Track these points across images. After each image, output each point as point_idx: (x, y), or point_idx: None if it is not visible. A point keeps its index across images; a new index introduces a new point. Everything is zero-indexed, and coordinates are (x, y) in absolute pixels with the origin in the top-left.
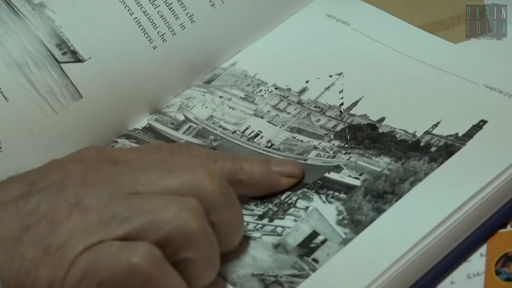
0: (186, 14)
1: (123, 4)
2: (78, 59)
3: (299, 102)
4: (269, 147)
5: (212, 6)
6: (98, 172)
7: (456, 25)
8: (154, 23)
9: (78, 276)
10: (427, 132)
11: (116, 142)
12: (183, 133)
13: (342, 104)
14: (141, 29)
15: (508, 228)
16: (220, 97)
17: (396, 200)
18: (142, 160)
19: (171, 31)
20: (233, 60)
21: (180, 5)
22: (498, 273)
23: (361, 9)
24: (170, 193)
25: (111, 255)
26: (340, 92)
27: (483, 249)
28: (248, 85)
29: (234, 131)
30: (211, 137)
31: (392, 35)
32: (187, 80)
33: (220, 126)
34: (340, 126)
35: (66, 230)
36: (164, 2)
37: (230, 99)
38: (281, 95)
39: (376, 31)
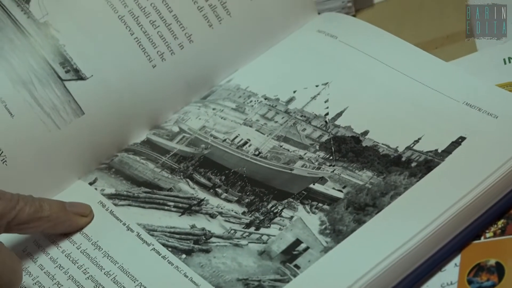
0: (185, 34)
1: (124, 24)
2: (80, 77)
3: (287, 111)
4: (257, 155)
5: (210, 26)
6: None
7: (444, 45)
8: (153, 42)
9: None
10: (408, 148)
11: (116, 156)
12: (177, 142)
13: (327, 114)
14: (141, 49)
15: (482, 239)
16: (213, 109)
17: (377, 213)
18: None
19: (170, 51)
20: (230, 78)
21: (179, 25)
22: (470, 282)
23: (350, 24)
24: None
25: None
26: (325, 102)
27: (457, 260)
28: (240, 97)
29: (224, 140)
30: (202, 145)
31: (379, 47)
32: (185, 97)
33: (211, 135)
34: (325, 137)
35: None
36: (164, 22)
37: (222, 110)
38: (269, 105)
39: (363, 43)
